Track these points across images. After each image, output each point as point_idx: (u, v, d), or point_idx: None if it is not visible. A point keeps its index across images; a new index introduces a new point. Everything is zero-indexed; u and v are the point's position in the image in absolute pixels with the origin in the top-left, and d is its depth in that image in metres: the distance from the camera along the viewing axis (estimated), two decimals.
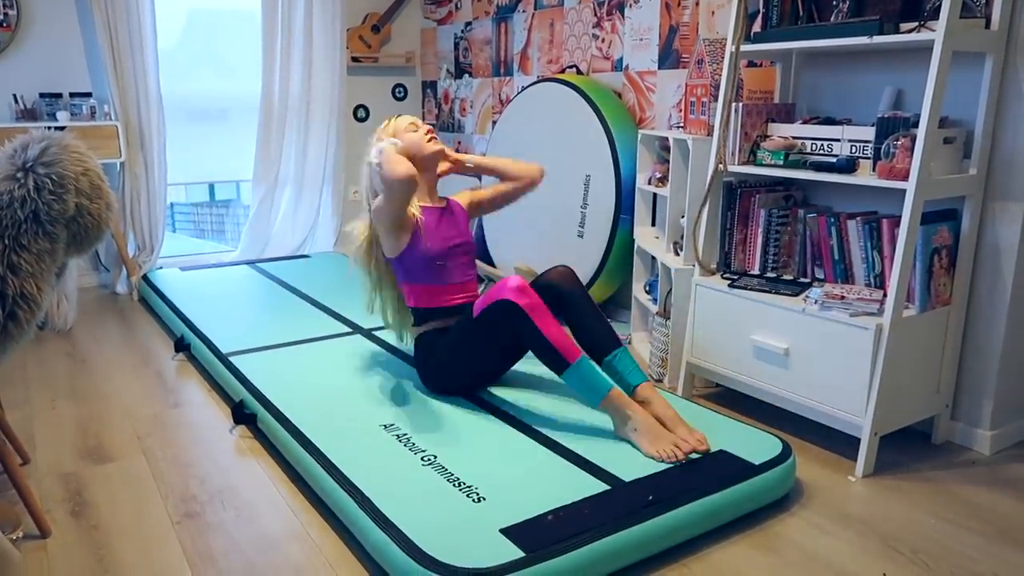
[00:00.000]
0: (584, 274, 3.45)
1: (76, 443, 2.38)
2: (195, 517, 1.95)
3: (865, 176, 2.21)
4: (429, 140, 2.49)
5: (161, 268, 4.28)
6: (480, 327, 2.26)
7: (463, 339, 2.32)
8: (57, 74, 4.07)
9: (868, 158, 2.26)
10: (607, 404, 2.11)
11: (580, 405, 2.36)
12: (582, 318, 2.29)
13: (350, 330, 3.14)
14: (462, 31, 4.72)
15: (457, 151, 4.87)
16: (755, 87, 2.71)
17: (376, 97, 5.12)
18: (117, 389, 2.82)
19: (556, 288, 2.32)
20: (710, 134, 2.71)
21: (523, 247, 3.86)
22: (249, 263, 4.43)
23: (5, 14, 3.86)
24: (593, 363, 2.17)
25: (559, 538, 1.64)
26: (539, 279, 2.36)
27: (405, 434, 2.16)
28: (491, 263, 4.16)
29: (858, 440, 2.21)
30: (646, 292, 3.21)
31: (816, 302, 2.26)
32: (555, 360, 2.12)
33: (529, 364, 2.71)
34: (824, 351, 2.24)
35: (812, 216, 2.47)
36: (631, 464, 1.98)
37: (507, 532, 1.67)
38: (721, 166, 2.55)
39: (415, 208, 2.42)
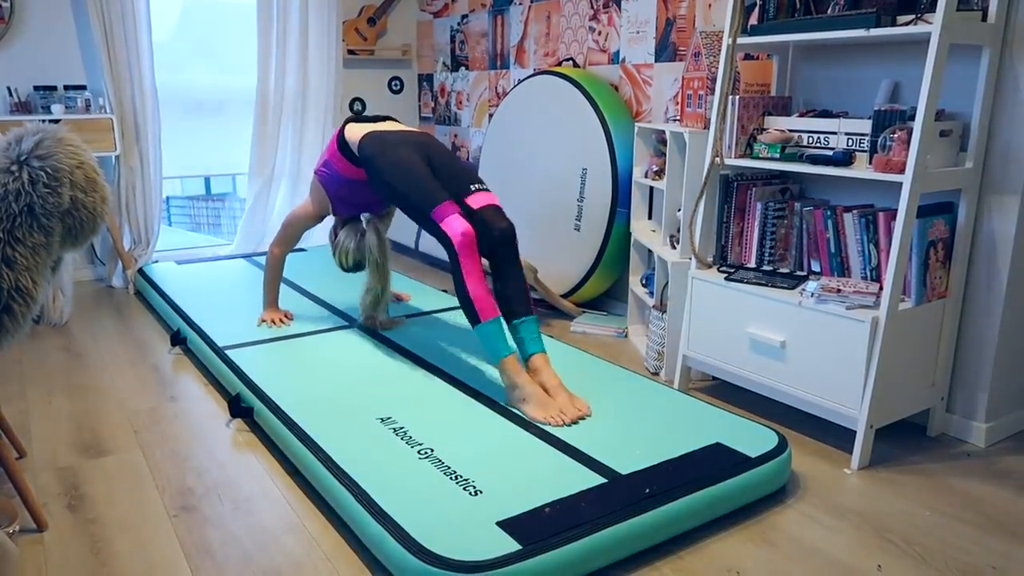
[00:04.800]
0: (581, 268, 3.45)
1: (72, 437, 2.38)
2: (192, 510, 1.96)
3: (861, 169, 2.21)
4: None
5: (157, 262, 4.27)
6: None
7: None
8: (51, 67, 4.05)
9: (865, 151, 2.27)
10: (502, 367, 2.28)
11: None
12: (507, 277, 2.43)
13: (346, 323, 3.14)
14: (458, 24, 4.70)
15: (453, 145, 4.86)
16: (752, 80, 2.71)
17: (372, 90, 5.10)
18: (113, 383, 2.81)
19: (494, 243, 2.41)
20: (707, 127, 2.71)
21: (519, 241, 3.86)
22: (245, 257, 4.43)
23: None
24: (502, 324, 2.30)
25: (556, 531, 1.64)
26: (484, 226, 2.42)
27: (402, 427, 2.16)
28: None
29: (854, 433, 2.22)
30: (643, 285, 3.21)
31: (812, 295, 2.27)
32: (471, 314, 2.28)
33: None
34: (820, 344, 2.24)
35: (808, 209, 2.48)
36: (628, 457, 1.98)
37: (504, 525, 1.67)
38: (718, 159, 2.55)
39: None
